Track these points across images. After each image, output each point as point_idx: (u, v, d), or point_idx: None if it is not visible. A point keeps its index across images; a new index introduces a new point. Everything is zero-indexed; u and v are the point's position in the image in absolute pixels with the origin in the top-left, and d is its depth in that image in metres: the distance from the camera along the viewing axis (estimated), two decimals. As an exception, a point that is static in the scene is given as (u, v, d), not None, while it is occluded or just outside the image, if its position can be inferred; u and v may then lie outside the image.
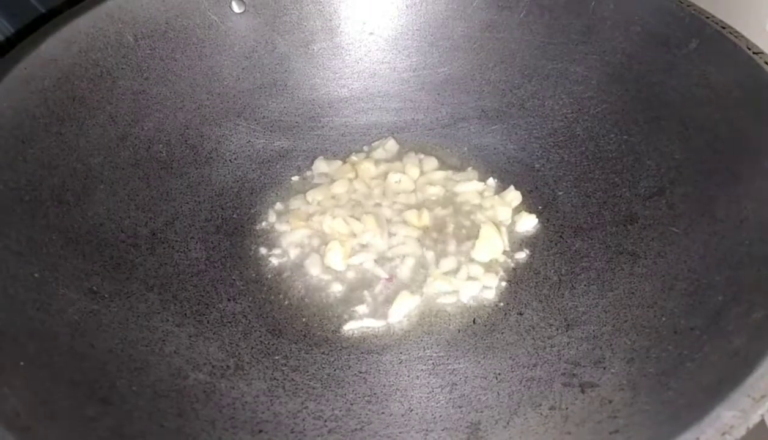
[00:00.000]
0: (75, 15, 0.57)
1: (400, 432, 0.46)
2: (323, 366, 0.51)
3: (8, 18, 0.70)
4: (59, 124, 0.54)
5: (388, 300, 0.55)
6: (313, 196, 0.62)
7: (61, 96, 0.55)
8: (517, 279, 0.56)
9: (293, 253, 0.58)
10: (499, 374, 0.49)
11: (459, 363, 0.51)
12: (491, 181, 0.63)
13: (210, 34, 0.64)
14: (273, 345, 0.52)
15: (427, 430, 0.46)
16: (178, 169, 0.61)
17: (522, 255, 0.57)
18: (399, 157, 0.66)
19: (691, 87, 0.55)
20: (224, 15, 0.64)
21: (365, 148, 0.67)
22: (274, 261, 0.58)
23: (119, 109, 0.59)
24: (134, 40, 0.60)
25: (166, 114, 0.62)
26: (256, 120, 0.67)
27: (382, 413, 0.48)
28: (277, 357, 0.51)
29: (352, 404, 0.48)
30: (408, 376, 0.50)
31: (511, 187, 0.62)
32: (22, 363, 0.41)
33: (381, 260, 0.57)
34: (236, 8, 0.64)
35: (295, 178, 0.65)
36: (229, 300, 0.54)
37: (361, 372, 0.50)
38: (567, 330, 0.51)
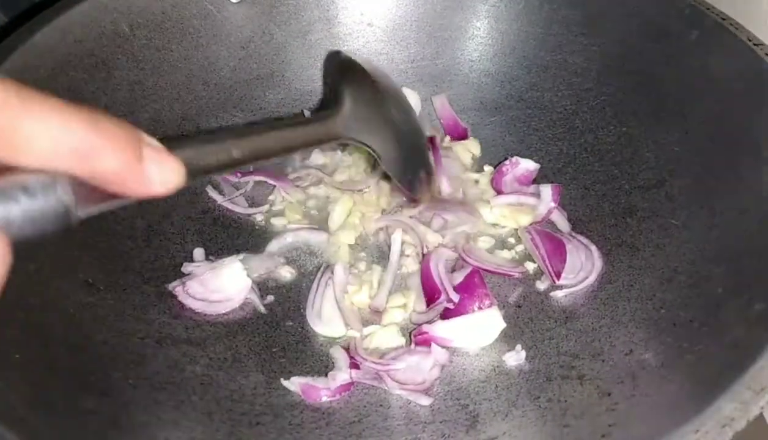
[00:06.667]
0: (70, 4, 0.56)
1: (398, 425, 0.46)
2: (320, 357, 0.50)
3: (2, 7, 0.69)
4: (54, 114, 0.54)
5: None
6: (312, 187, 0.62)
7: (56, 86, 0.54)
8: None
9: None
10: (498, 366, 0.49)
11: (457, 356, 0.50)
12: (488, 168, 0.63)
13: (206, 24, 0.63)
14: (270, 337, 0.52)
15: (425, 422, 0.46)
16: (175, 161, 0.61)
17: (520, 248, 0.57)
18: (397, 148, 0.66)
19: (691, 78, 0.55)
20: (221, 5, 0.64)
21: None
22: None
23: (115, 100, 0.58)
24: (130, 30, 0.60)
25: (162, 105, 0.61)
26: (252, 111, 0.66)
27: (381, 405, 0.47)
28: (275, 350, 0.51)
29: (350, 396, 0.48)
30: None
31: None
32: (17, 356, 0.41)
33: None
34: (233, -2, 0.64)
35: (292, 170, 0.65)
36: (226, 292, 0.54)
37: (359, 365, 0.50)
38: (566, 323, 0.51)
